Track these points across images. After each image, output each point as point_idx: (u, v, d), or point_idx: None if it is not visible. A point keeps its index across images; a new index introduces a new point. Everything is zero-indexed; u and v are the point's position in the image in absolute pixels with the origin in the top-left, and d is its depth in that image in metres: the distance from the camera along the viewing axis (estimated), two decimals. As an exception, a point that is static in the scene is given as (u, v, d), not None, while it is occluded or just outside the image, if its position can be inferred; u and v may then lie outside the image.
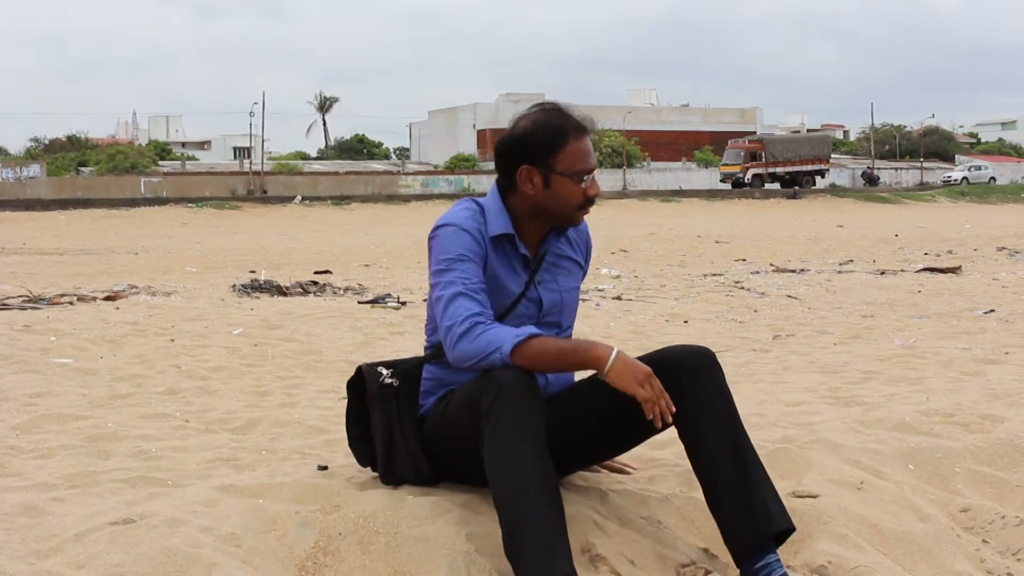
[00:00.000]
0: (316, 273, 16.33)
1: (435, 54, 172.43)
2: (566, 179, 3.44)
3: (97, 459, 4.53)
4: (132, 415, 5.60)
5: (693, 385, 3.35)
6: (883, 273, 15.68)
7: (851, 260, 19.24)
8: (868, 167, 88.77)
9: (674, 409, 3.23)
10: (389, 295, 12.01)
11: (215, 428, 5.32)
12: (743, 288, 13.27)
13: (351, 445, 3.81)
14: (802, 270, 16.41)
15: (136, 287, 13.53)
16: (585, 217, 3.61)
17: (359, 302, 11.47)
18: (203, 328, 9.21)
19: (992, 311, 10.78)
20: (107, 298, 11.87)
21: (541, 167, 3.45)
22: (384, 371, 3.61)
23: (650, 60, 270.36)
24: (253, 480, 3.81)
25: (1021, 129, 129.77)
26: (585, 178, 3.46)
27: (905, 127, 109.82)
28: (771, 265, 17.32)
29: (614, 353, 3.21)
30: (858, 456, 4.18)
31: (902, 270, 16.37)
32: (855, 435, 4.52)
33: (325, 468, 4.02)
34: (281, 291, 12.80)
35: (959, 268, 16.09)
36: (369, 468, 3.80)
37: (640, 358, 3.37)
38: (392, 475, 3.66)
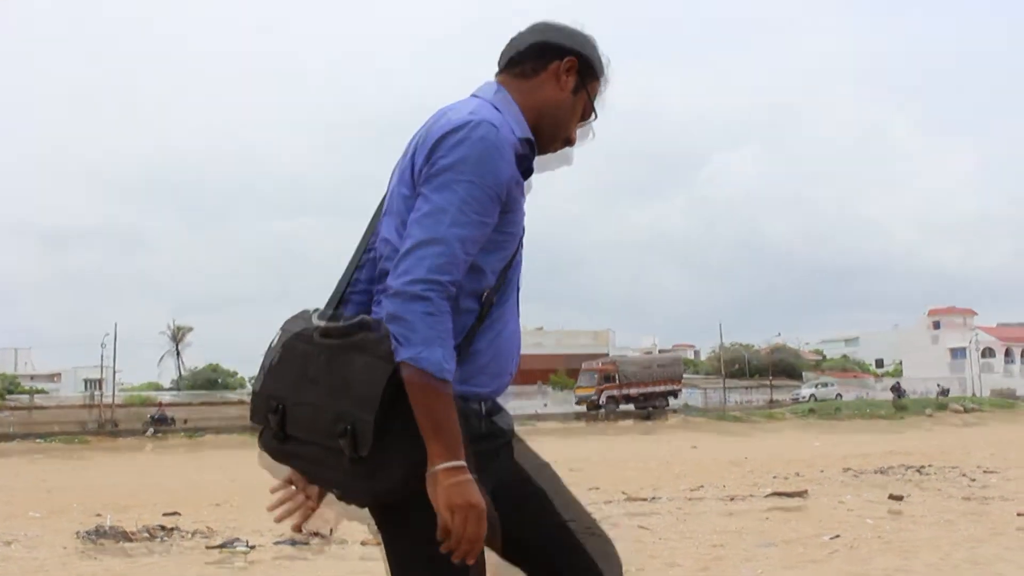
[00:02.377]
0: (164, 515, 15.96)
1: (289, 281, 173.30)
2: (584, 103, 3.01)
3: None
4: None
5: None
6: (732, 499, 15.91)
7: (702, 486, 19.48)
8: (897, 382, 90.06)
9: (471, 562, 2.60)
10: (237, 539, 11.80)
11: None
12: (596, 519, 13.32)
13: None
14: (654, 498, 16.56)
15: (-27, 537, 13.07)
16: None
17: (207, 547, 11.24)
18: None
19: (837, 536, 11.00)
20: (-58, 551, 11.45)
21: (582, 74, 2.99)
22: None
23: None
24: None
25: (863, 345, 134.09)
26: (591, 118, 3.06)
27: (753, 346, 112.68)
28: (623, 493, 17.45)
29: (458, 462, 2.53)
30: None
31: (751, 495, 16.62)
32: None
33: None
34: (127, 537, 12.47)
35: (806, 492, 16.41)
36: None
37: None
38: None
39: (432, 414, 2.53)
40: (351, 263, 2.97)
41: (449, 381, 2.55)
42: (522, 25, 3.07)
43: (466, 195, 2.64)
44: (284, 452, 2.77)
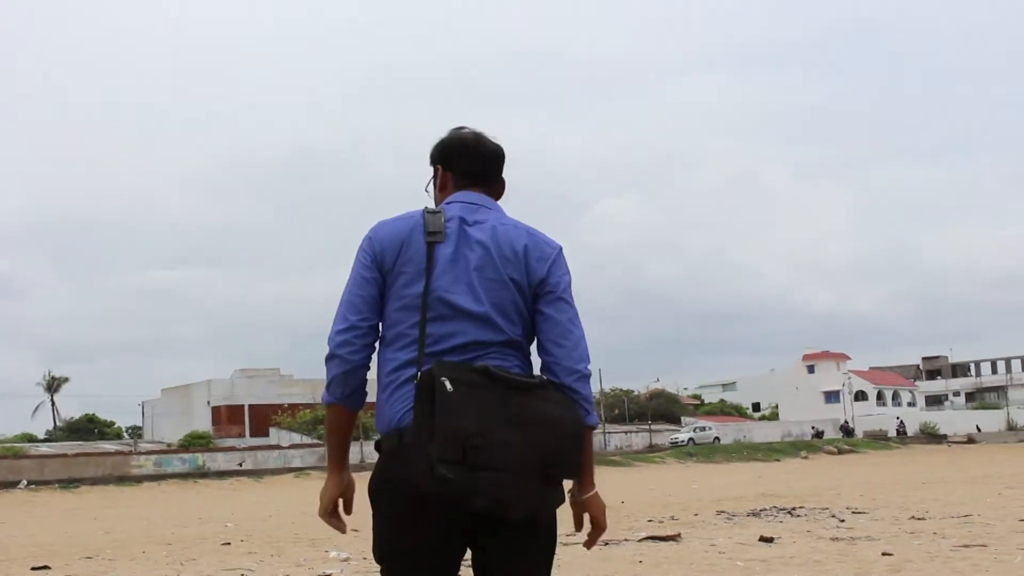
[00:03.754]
0: (33, 569, 15.64)
1: (168, 331, 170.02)
2: None
3: None
4: None
5: None
6: (607, 543, 16.04)
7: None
8: (845, 420, 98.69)
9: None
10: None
11: None
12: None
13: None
14: (530, 543, 16.59)
15: None
16: None
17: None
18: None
19: (705, 580, 11.18)
20: None
21: None
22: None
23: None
24: None
25: (740, 390, 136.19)
26: None
27: (633, 391, 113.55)
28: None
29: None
30: None
31: (625, 539, 16.77)
32: None
33: None
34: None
35: (679, 535, 16.62)
36: None
37: None
38: None
39: (592, 456, 3.56)
40: (422, 322, 3.48)
41: None
42: (454, 125, 3.77)
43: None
44: (472, 478, 3.16)
